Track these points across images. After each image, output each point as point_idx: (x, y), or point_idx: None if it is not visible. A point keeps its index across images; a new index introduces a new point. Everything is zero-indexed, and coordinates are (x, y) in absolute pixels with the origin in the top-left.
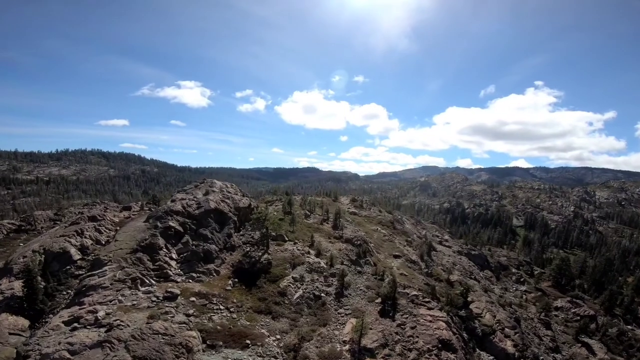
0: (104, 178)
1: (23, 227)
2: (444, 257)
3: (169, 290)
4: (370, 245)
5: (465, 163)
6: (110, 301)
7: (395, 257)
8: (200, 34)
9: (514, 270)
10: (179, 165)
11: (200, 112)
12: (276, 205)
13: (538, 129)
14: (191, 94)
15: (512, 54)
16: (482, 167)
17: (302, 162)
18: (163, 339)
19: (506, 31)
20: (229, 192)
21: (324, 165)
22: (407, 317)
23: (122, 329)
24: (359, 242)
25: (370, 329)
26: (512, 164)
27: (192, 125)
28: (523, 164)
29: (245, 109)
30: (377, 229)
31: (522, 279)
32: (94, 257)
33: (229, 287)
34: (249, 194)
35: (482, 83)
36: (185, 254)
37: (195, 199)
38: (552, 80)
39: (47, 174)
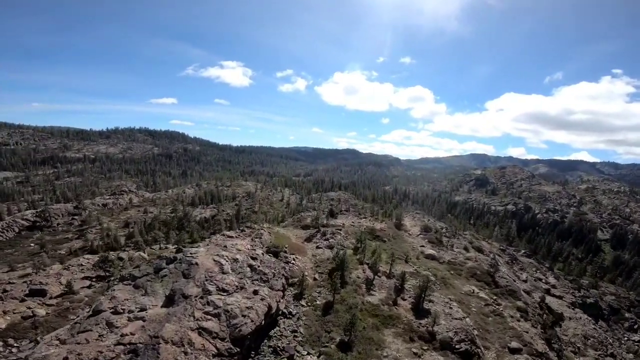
0: (148, 156)
1: (38, 224)
2: (568, 327)
3: None
4: (476, 337)
5: (517, 152)
6: None
7: (514, 351)
8: (241, 16)
9: (626, 314)
10: (220, 143)
11: (243, 91)
12: (319, 271)
13: (610, 120)
14: (233, 73)
15: (583, 38)
16: (539, 157)
17: (341, 143)
18: None
19: (575, 14)
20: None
21: (363, 147)
22: None
23: None
24: (463, 343)
25: None
26: (573, 157)
27: (235, 104)
28: (586, 156)
29: (285, 88)
30: (473, 290)
31: (636, 326)
32: None
33: None
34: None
35: (545, 69)
36: None
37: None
38: (632, 69)
39: (95, 152)
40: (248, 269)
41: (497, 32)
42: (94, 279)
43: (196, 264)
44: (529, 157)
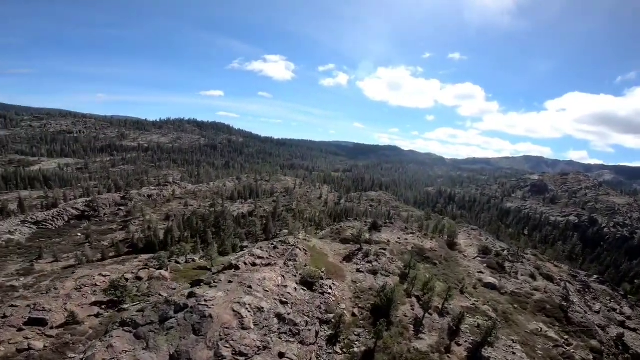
0: (195, 147)
1: (86, 213)
2: None
3: None
4: None
5: (579, 156)
6: None
7: None
8: (285, 11)
9: None
10: (262, 135)
11: (285, 84)
12: (359, 304)
13: None
14: (276, 67)
15: None
16: (604, 162)
17: (382, 139)
18: None
19: None
20: None
21: (405, 144)
22: None
23: None
24: None
25: None
26: None
27: (277, 97)
28: None
29: (327, 83)
30: (540, 328)
31: None
32: None
33: None
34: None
35: (616, 68)
36: None
37: None
38: None
39: (148, 142)
40: (275, 320)
41: (558, 28)
42: (103, 306)
43: (210, 316)
44: (592, 161)
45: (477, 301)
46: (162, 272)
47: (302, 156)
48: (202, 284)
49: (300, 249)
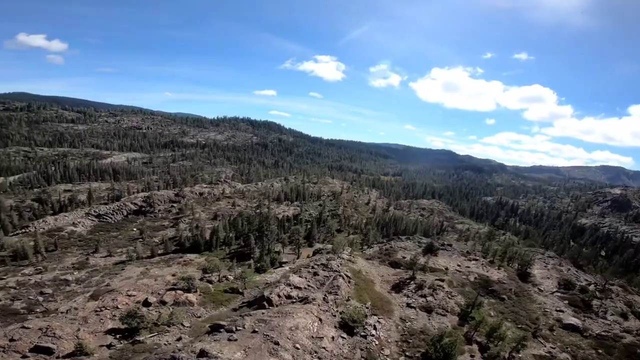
0: (247, 145)
1: (143, 209)
2: None
3: None
4: None
5: None
6: None
7: None
8: (336, 11)
9: None
10: (312, 135)
11: (335, 85)
12: (407, 351)
13: None
14: (327, 68)
15: None
16: None
17: (435, 142)
18: None
19: None
20: None
21: (460, 148)
22: None
23: None
24: None
25: None
26: None
27: (328, 97)
28: None
29: (378, 83)
30: None
31: None
32: None
33: None
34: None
35: None
36: None
37: None
38: None
39: (206, 139)
40: None
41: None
42: (118, 335)
43: None
44: None
45: (554, 347)
46: (190, 296)
47: (351, 158)
48: (222, 329)
49: (343, 277)
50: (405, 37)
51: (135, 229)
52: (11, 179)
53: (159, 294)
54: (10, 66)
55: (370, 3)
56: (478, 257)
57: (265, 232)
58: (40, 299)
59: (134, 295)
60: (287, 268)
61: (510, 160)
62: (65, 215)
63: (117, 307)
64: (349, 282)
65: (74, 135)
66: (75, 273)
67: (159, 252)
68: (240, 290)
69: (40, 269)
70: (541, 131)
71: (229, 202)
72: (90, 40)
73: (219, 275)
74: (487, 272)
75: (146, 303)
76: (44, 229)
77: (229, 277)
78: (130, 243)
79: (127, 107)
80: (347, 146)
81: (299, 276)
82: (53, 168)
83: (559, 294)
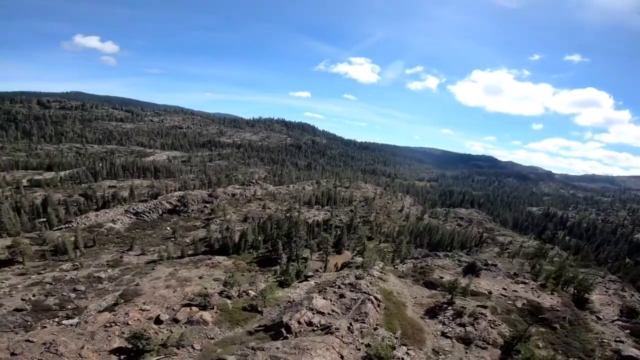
0: (281, 146)
1: (177, 208)
2: None
3: None
4: None
5: None
6: None
7: None
8: (371, 12)
9: None
10: (345, 138)
11: (370, 87)
12: None
13: None
14: (361, 70)
15: None
16: None
17: (475, 147)
18: None
19: None
20: None
21: (502, 154)
22: None
23: None
24: None
25: None
26: None
27: (362, 99)
28: None
29: (414, 86)
30: None
31: None
32: None
33: None
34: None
35: None
36: None
37: None
38: None
39: (242, 139)
40: None
41: None
42: (123, 356)
43: None
44: None
45: None
46: (205, 314)
47: (385, 161)
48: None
49: (372, 301)
50: (444, 38)
51: (168, 228)
52: (62, 174)
53: (173, 309)
54: (68, 66)
55: (406, 4)
56: (527, 280)
57: (294, 238)
58: (73, 295)
59: (147, 310)
60: (312, 283)
61: (558, 168)
62: (106, 212)
63: (128, 324)
64: (378, 305)
65: (122, 134)
66: (108, 271)
67: (189, 252)
68: (260, 309)
69: (77, 265)
70: (594, 137)
71: (259, 204)
72: (139, 42)
73: (239, 290)
74: (538, 297)
75: (158, 320)
76: (85, 224)
77: (250, 292)
78: (162, 242)
79: (170, 107)
80: (381, 149)
81: (323, 297)
82: (100, 164)
83: (619, 322)
